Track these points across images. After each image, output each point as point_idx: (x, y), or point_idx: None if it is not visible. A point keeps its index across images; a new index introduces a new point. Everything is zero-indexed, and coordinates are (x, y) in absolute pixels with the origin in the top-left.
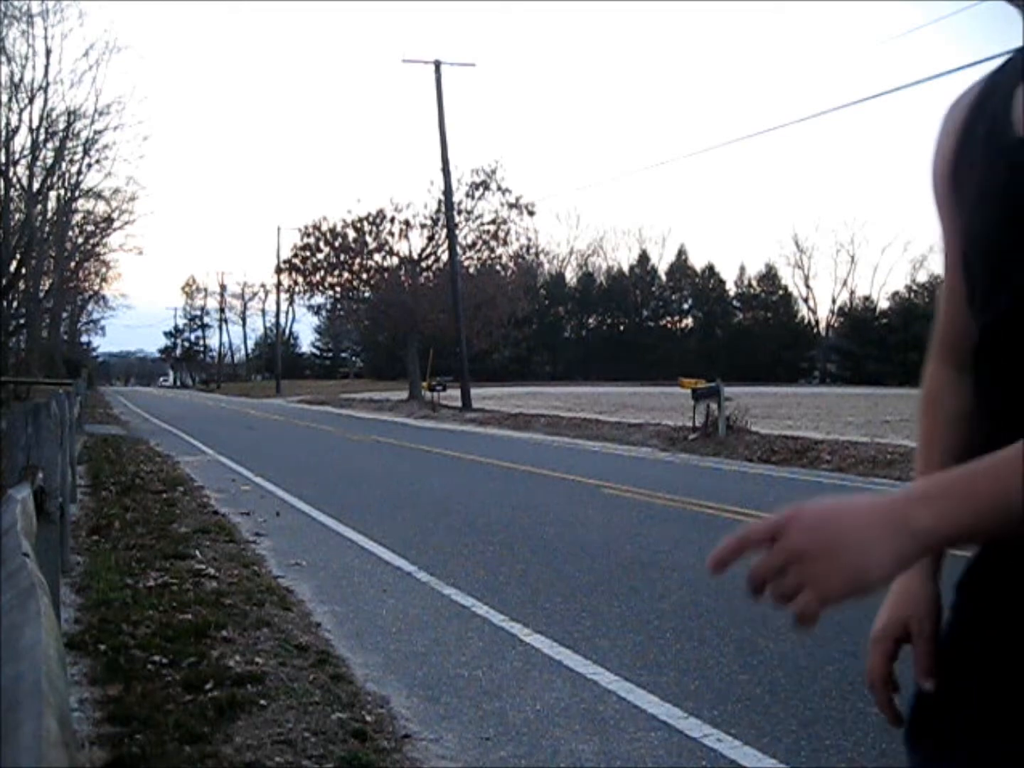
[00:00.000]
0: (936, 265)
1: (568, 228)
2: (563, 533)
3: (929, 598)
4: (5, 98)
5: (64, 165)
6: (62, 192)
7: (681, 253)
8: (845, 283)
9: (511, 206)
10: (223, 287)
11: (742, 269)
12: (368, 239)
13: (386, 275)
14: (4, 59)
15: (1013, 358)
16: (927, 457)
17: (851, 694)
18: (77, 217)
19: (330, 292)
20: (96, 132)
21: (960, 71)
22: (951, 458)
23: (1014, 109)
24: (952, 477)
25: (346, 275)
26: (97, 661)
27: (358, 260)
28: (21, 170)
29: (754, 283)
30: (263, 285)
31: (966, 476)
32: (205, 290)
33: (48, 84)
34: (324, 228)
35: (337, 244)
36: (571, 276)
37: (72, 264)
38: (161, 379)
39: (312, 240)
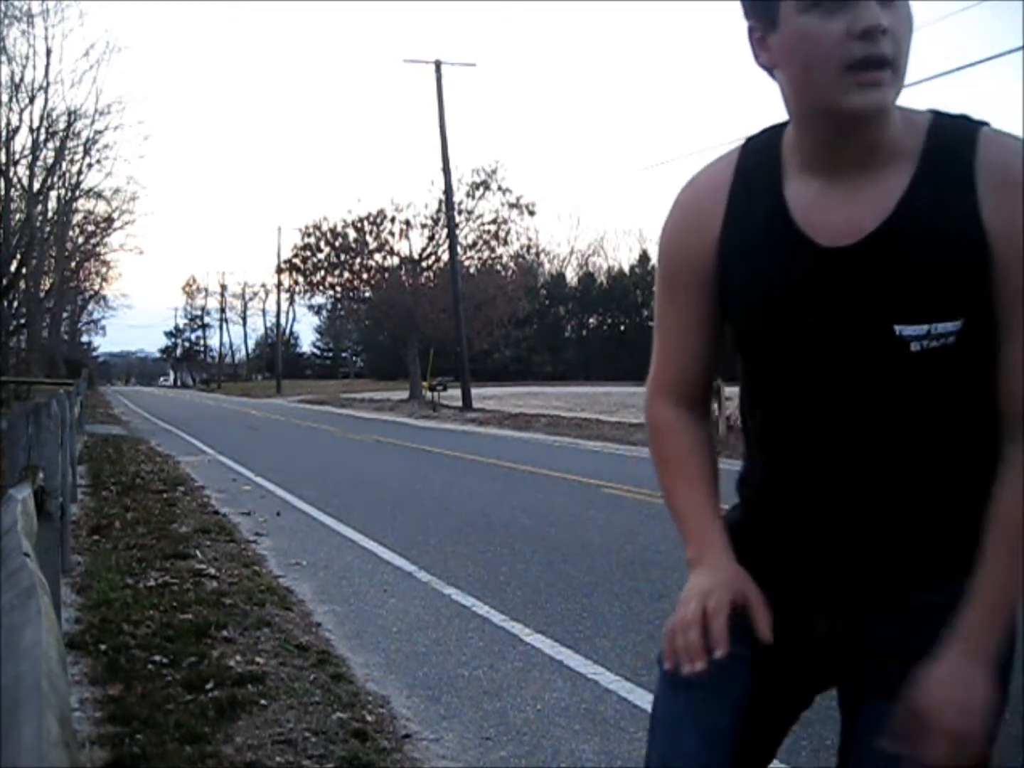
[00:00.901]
0: None
1: (568, 228)
2: (564, 533)
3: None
4: (6, 98)
5: (64, 165)
6: (62, 192)
7: None
8: None
9: (511, 206)
10: (223, 287)
11: None
12: (368, 239)
13: (386, 275)
14: (5, 59)
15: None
16: (689, 480)
17: None
18: (77, 217)
19: (330, 292)
20: (96, 132)
21: (960, 71)
22: (705, 483)
23: (792, 210)
24: (982, 621)
25: (346, 275)
26: (98, 661)
27: (358, 260)
28: (22, 170)
29: None
30: (263, 285)
31: (986, 625)
32: (206, 290)
33: (48, 84)
34: (324, 228)
35: (337, 244)
36: (572, 276)
37: (72, 264)
38: (161, 379)
39: (312, 240)
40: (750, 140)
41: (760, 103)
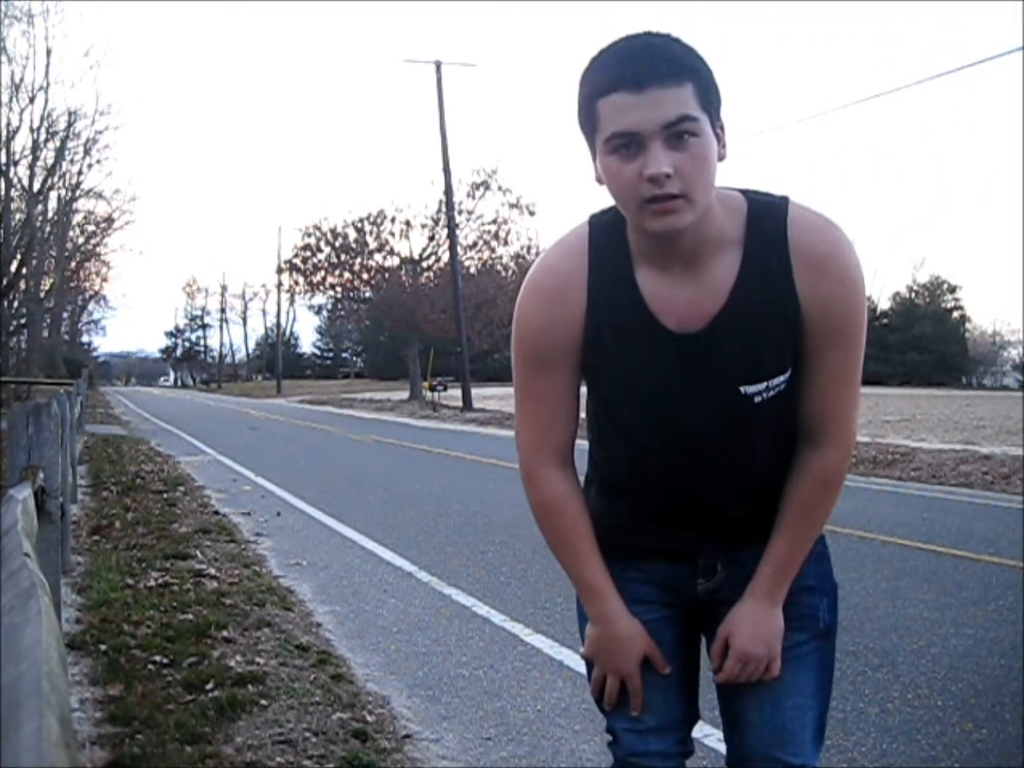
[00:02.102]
0: (936, 266)
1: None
2: None
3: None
4: (6, 98)
5: (65, 165)
6: (63, 192)
7: None
8: None
9: (512, 206)
10: (224, 287)
11: None
12: (369, 239)
13: (387, 275)
14: (5, 59)
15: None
16: (585, 557)
17: (851, 694)
18: (78, 217)
19: (331, 292)
20: (97, 132)
21: (960, 71)
22: (595, 553)
23: (645, 298)
24: (775, 576)
25: (347, 275)
26: (98, 661)
27: (359, 260)
28: (22, 170)
29: None
30: (264, 285)
31: (776, 581)
32: (206, 290)
33: (49, 84)
34: (325, 228)
35: (338, 244)
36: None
37: (73, 264)
38: (162, 379)
39: (313, 240)
40: (595, 220)
41: (760, 104)
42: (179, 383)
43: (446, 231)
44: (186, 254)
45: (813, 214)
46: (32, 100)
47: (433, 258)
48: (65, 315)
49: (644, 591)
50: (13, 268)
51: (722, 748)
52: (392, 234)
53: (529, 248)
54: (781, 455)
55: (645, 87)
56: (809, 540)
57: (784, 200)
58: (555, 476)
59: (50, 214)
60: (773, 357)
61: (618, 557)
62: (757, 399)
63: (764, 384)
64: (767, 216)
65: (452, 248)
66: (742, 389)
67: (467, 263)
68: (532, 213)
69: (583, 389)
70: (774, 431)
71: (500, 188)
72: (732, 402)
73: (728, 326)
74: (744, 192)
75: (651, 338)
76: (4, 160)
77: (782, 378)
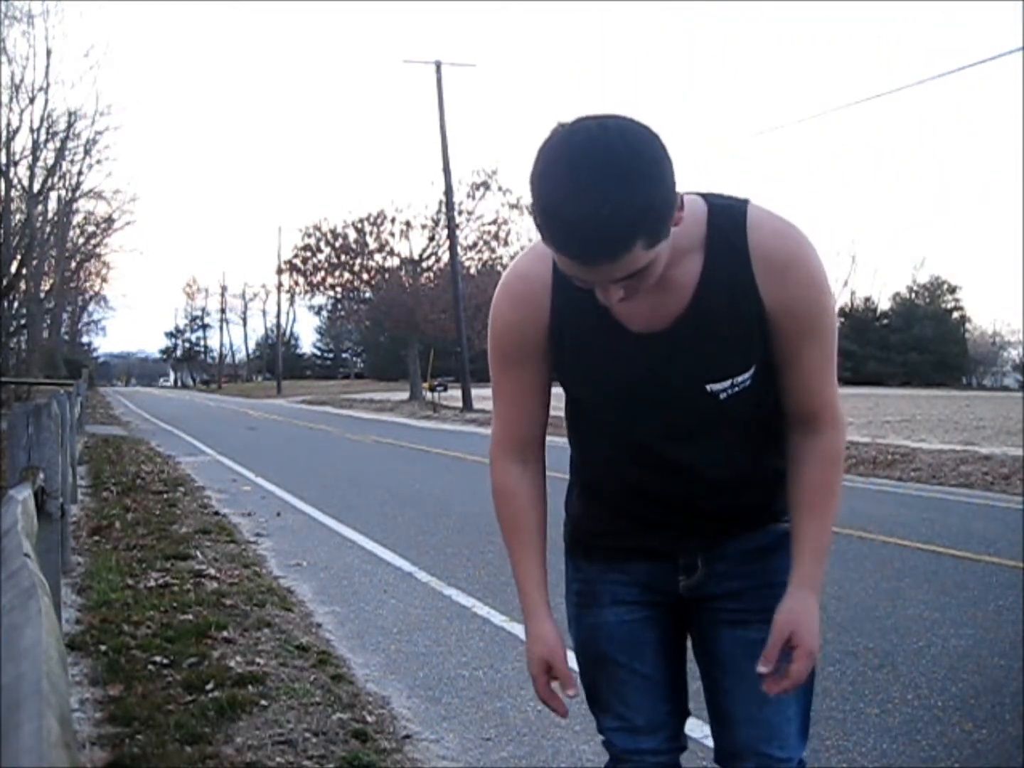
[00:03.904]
0: (936, 266)
1: None
2: None
3: (558, 637)
4: (6, 99)
5: (65, 165)
6: (63, 193)
7: None
8: (846, 284)
9: (512, 206)
10: (224, 287)
11: None
12: (369, 239)
13: (387, 275)
14: (5, 60)
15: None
16: (524, 545)
17: (851, 694)
18: (78, 218)
19: (331, 292)
20: (97, 132)
21: (960, 71)
22: (536, 549)
23: (612, 312)
24: (813, 566)
25: (347, 275)
26: (98, 661)
27: (359, 260)
28: (22, 171)
29: None
30: (264, 285)
31: (817, 568)
32: (206, 290)
33: (49, 85)
34: (325, 228)
35: (338, 244)
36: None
37: (73, 264)
38: (162, 379)
39: (313, 241)
40: None
41: (760, 104)
42: (179, 383)
43: (446, 231)
44: (186, 254)
45: (773, 218)
46: (32, 100)
47: (433, 258)
48: (65, 315)
49: (625, 592)
50: (13, 269)
51: None
52: (392, 234)
53: None
54: (756, 448)
55: (591, 264)
56: (832, 517)
57: (744, 204)
58: (513, 467)
59: (50, 215)
60: (736, 356)
61: (599, 560)
62: (723, 395)
63: (729, 382)
64: (728, 221)
65: (452, 248)
66: (707, 387)
67: (467, 263)
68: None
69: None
70: (744, 426)
71: (500, 188)
72: (698, 400)
73: (690, 327)
74: (705, 196)
75: (616, 341)
76: (4, 160)
77: (747, 375)
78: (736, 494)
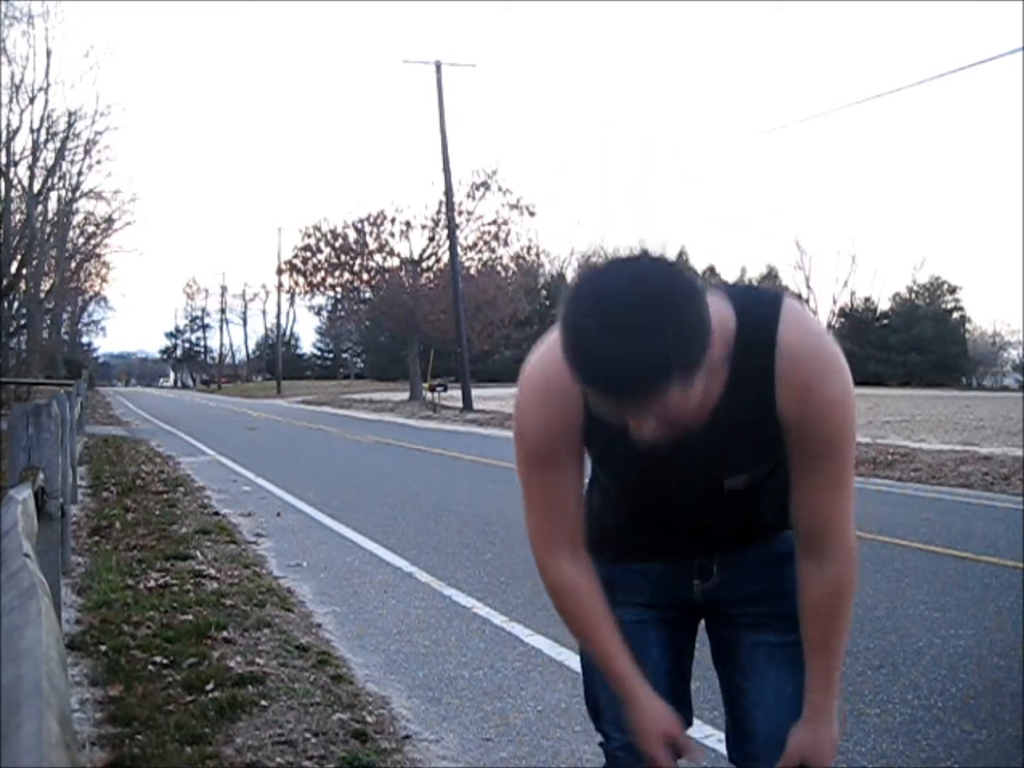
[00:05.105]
0: (936, 266)
1: (569, 228)
2: None
3: (670, 711)
4: (6, 99)
5: (65, 166)
6: (63, 193)
7: (682, 254)
8: (846, 284)
9: (512, 207)
10: (224, 288)
11: (743, 270)
12: (369, 240)
13: (387, 276)
14: (5, 60)
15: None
16: (601, 637)
17: (852, 695)
18: (78, 218)
19: (331, 293)
20: (97, 133)
21: (960, 71)
22: (613, 633)
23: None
24: (825, 698)
25: (347, 276)
26: (98, 662)
27: (359, 261)
28: (22, 171)
29: (755, 284)
30: (264, 286)
31: (828, 698)
32: (206, 291)
33: (49, 85)
34: (325, 229)
35: (338, 245)
36: (572, 277)
37: (73, 265)
38: (162, 380)
39: (313, 241)
40: None
41: (760, 105)
42: (179, 384)
43: (446, 232)
44: (186, 254)
45: (803, 335)
46: (32, 101)
47: (433, 259)
48: (65, 316)
49: (638, 593)
50: (13, 269)
51: (722, 748)
52: (392, 235)
53: (529, 248)
54: (776, 503)
55: (625, 401)
56: (839, 649)
57: (775, 317)
58: (566, 566)
59: (50, 215)
60: (753, 458)
61: (613, 559)
62: (741, 486)
63: (745, 476)
64: (755, 339)
65: (452, 248)
66: (725, 483)
67: (467, 264)
68: (532, 214)
69: None
70: (763, 497)
71: (500, 188)
72: (717, 490)
73: (713, 434)
74: (735, 300)
75: (634, 442)
76: (4, 161)
77: (767, 466)
78: (757, 526)
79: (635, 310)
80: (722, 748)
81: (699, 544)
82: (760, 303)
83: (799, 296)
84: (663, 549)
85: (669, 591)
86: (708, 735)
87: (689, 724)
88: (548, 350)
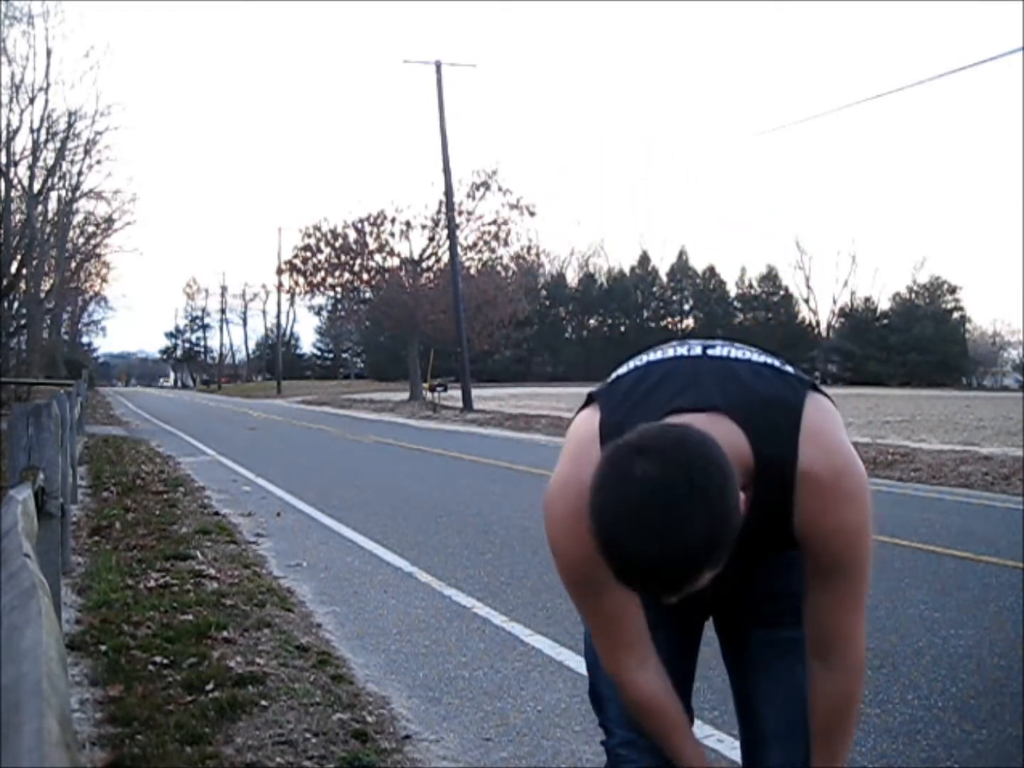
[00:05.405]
0: (936, 266)
1: (569, 228)
2: None
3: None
4: (6, 99)
5: (65, 166)
6: (63, 193)
7: (682, 254)
8: (846, 284)
9: (512, 207)
10: (224, 288)
11: (743, 270)
12: (369, 240)
13: (387, 276)
14: (5, 60)
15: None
16: (684, 740)
17: None
18: (78, 218)
19: (331, 293)
20: (97, 133)
21: (962, 70)
22: (692, 736)
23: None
24: None
25: (347, 276)
26: (98, 662)
27: (359, 261)
28: (22, 171)
29: (755, 284)
30: (264, 286)
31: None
32: (206, 291)
33: (49, 85)
34: (325, 229)
35: (338, 245)
36: (572, 277)
37: (73, 265)
38: (162, 380)
39: (313, 241)
40: (606, 430)
41: (760, 105)
42: (179, 384)
43: (446, 232)
44: (186, 254)
45: (823, 465)
46: (32, 101)
47: (433, 259)
48: (65, 316)
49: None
50: (13, 269)
51: (722, 748)
52: (392, 235)
53: (529, 248)
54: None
55: (659, 594)
56: (844, 745)
57: (794, 447)
58: (640, 676)
59: (50, 215)
60: (771, 556)
61: None
62: (757, 569)
63: (762, 563)
64: (774, 476)
65: (452, 248)
66: (746, 573)
67: (467, 264)
68: (532, 214)
69: None
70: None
71: (500, 188)
72: (739, 578)
73: (733, 559)
74: (748, 431)
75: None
76: (4, 161)
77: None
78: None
79: (663, 506)
80: (722, 748)
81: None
82: (776, 429)
83: (815, 386)
84: None
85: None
86: (708, 735)
87: (690, 723)
88: (569, 474)
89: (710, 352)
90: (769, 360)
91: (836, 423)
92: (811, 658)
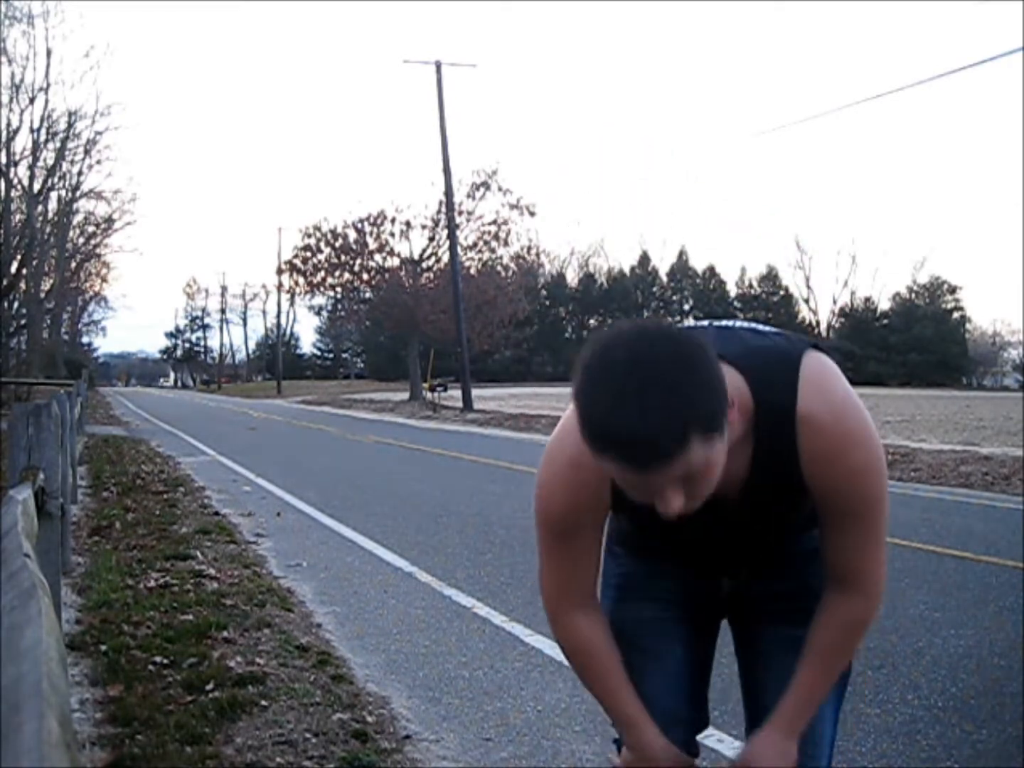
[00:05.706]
0: (936, 266)
1: (569, 228)
2: None
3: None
4: (6, 99)
5: (65, 166)
6: (63, 193)
7: (682, 254)
8: (846, 284)
9: (512, 207)
10: (224, 288)
11: (743, 270)
12: (369, 240)
13: (387, 276)
14: (5, 60)
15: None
16: (619, 686)
17: (851, 695)
18: (78, 218)
19: (331, 293)
20: (97, 133)
21: (962, 70)
22: (626, 682)
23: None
24: (796, 713)
25: (347, 276)
26: (98, 662)
27: (359, 261)
28: (22, 171)
29: (755, 284)
30: (264, 286)
31: (801, 715)
32: (206, 291)
33: (49, 85)
34: (325, 229)
35: (338, 245)
36: (572, 277)
37: (73, 265)
38: (162, 380)
39: (313, 241)
40: None
41: (760, 105)
42: (179, 384)
43: (446, 232)
44: (186, 254)
45: (823, 409)
46: (32, 101)
47: (433, 259)
48: (65, 316)
49: (665, 588)
50: (13, 269)
51: (722, 748)
52: (392, 235)
53: (529, 248)
54: (806, 520)
55: (646, 469)
56: (832, 679)
57: (792, 391)
58: (580, 620)
59: (50, 215)
60: (782, 514)
61: (642, 554)
62: (775, 532)
63: (776, 527)
64: (775, 419)
65: (452, 248)
66: (758, 536)
67: (467, 264)
68: (532, 214)
69: None
70: (795, 524)
71: (500, 188)
72: (752, 539)
73: (741, 508)
74: (748, 375)
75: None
76: (4, 161)
77: (792, 517)
78: (784, 539)
79: (646, 376)
80: (722, 748)
81: (726, 561)
82: (775, 375)
83: (817, 345)
84: (692, 563)
85: (697, 587)
86: (708, 735)
87: (705, 725)
88: (570, 427)
89: (716, 324)
90: (774, 329)
91: (836, 373)
92: (828, 588)
